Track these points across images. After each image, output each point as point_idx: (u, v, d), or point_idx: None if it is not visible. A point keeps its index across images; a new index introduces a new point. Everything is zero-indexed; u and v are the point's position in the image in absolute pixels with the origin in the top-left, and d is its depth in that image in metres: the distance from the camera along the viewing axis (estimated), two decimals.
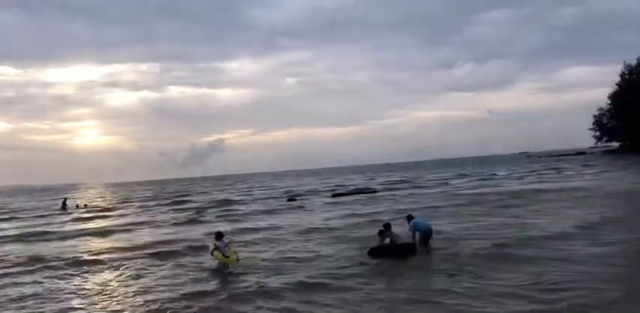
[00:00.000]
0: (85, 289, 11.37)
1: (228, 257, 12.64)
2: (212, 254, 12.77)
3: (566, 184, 32.80)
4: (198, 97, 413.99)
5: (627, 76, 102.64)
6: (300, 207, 30.33)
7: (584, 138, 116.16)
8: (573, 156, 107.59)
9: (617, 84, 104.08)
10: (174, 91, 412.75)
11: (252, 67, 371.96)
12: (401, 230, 13.79)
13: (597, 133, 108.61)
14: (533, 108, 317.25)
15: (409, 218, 13.89)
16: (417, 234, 13.20)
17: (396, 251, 12.68)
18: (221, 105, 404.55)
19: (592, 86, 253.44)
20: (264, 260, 13.37)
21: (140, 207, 41.35)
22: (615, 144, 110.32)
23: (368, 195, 37.51)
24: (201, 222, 25.54)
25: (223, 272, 12.29)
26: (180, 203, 42.85)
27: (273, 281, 10.79)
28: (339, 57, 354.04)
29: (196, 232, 20.58)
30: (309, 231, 18.78)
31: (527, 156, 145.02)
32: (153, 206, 41.25)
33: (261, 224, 22.18)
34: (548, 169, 58.10)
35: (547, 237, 13.89)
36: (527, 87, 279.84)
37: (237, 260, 12.75)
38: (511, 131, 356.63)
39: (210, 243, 13.21)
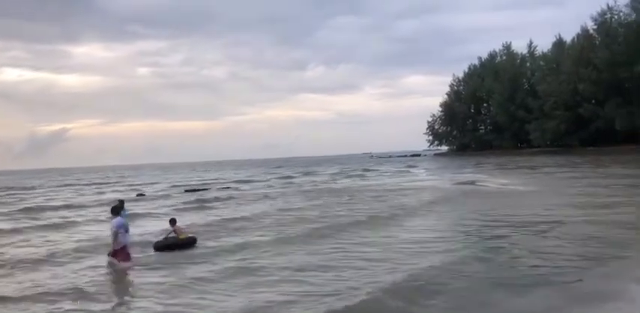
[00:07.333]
0: None
1: None
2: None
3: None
4: (40, 82, 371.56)
5: (455, 87, 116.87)
6: None
7: (420, 141, 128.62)
8: (410, 158, 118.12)
9: (447, 94, 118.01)
10: (12, 74, 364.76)
11: (103, 54, 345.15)
12: None
13: (430, 137, 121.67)
14: (376, 112, 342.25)
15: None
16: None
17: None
18: (66, 92, 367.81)
19: (427, 94, 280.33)
20: None
21: None
22: (445, 148, 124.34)
23: None
24: None
25: None
26: None
27: None
28: (195, 50, 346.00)
29: None
30: None
31: (371, 157, 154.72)
32: None
33: None
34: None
35: None
36: (371, 93, 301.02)
37: None
38: (357, 133, 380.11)
39: None
